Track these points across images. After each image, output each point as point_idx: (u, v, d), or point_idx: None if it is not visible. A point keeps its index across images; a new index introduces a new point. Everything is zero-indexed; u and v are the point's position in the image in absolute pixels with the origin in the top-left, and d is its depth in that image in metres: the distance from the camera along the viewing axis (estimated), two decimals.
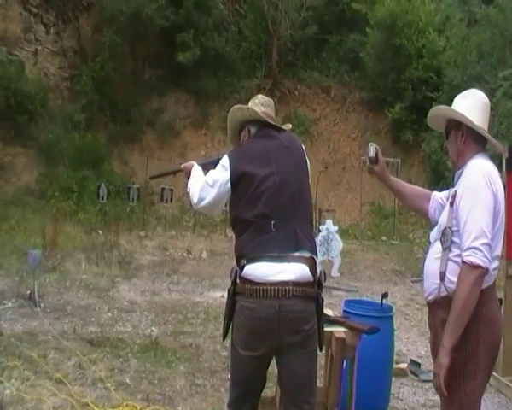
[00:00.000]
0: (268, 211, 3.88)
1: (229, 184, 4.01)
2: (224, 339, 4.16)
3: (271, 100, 4.56)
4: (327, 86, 30.16)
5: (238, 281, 3.91)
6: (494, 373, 7.26)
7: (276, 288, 3.75)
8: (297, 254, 3.85)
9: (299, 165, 4.14)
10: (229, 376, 7.16)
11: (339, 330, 4.87)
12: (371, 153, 4.30)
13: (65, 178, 23.91)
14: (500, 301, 3.89)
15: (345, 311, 6.10)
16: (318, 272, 3.96)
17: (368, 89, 29.54)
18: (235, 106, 4.39)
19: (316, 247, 4.07)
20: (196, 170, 4.37)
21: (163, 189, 22.65)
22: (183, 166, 4.53)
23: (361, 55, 28.77)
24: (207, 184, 4.09)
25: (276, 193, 3.92)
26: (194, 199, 4.15)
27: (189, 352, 8.36)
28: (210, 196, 4.07)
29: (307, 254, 3.90)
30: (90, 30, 28.72)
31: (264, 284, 3.77)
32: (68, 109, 26.56)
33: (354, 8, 29.33)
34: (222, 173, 4.05)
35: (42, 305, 10.19)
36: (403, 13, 27.76)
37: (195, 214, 22.69)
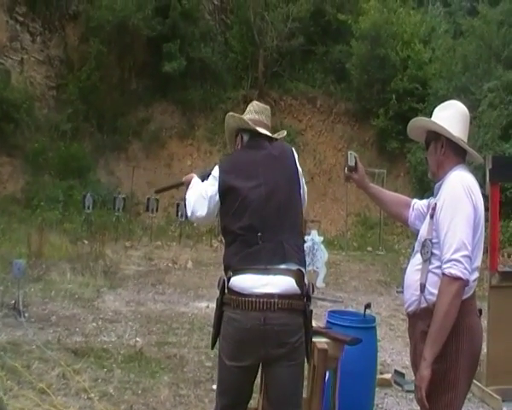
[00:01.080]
0: (254, 223, 3.88)
1: (217, 196, 4.04)
2: (212, 348, 4.15)
3: (267, 107, 4.55)
4: (313, 97, 30.27)
5: (226, 291, 3.91)
6: (478, 383, 7.30)
7: (261, 300, 3.75)
8: (283, 266, 3.84)
9: (288, 175, 4.11)
10: (213, 386, 7.20)
11: (321, 341, 4.86)
12: (351, 161, 4.33)
13: (51, 188, 23.87)
14: (480, 311, 3.90)
15: (328, 322, 6.11)
16: (307, 283, 3.95)
17: (353, 100, 29.69)
18: (229, 113, 4.46)
19: (304, 259, 4.05)
20: (196, 181, 4.40)
21: (148, 199, 22.69)
22: (184, 179, 4.56)
23: (347, 66, 28.90)
24: (202, 196, 4.12)
25: (262, 205, 3.91)
26: (189, 211, 4.21)
27: (173, 362, 8.33)
28: (203, 208, 4.10)
29: (294, 267, 3.88)
30: (76, 39, 28.73)
31: (250, 295, 3.76)
32: (54, 119, 26.56)
33: (340, 20, 29.51)
34: (212, 186, 4.08)
35: (26, 315, 10.13)
36: (388, 24, 27.94)
37: (181, 225, 22.69)
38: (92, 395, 6.72)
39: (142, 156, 27.70)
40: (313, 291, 4.04)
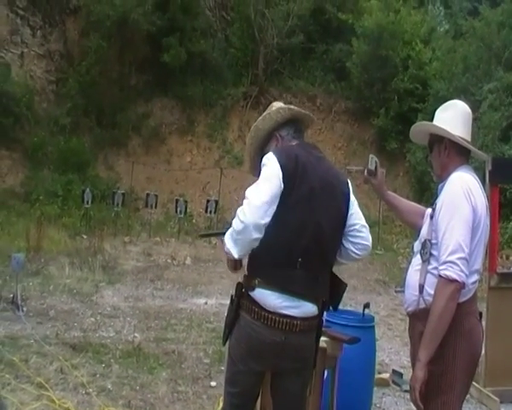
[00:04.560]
0: (298, 246, 3.72)
1: None
2: (223, 345, 4.11)
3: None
4: (313, 95, 30.23)
5: (244, 297, 3.80)
6: (476, 384, 7.31)
7: (284, 320, 3.68)
8: (312, 297, 3.77)
9: (338, 212, 3.90)
10: (211, 383, 7.23)
11: (320, 340, 4.86)
12: (371, 165, 4.31)
13: (50, 182, 23.84)
14: (480, 314, 3.90)
15: (327, 320, 6.10)
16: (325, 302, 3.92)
17: (353, 98, 29.67)
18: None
19: (328, 289, 3.93)
20: None
21: (148, 194, 22.71)
22: None
23: (347, 65, 28.87)
24: None
25: (309, 234, 3.74)
26: None
27: (171, 358, 8.34)
28: None
29: (320, 297, 3.83)
30: (76, 34, 28.66)
31: (273, 313, 3.69)
32: (54, 113, 26.53)
33: (340, 18, 29.48)
34: None
35: (25, 309, 10.14)
36: (389, 24, 27.86)
37: (180, 221, 22.73)
38: (90, 390, 6.74)
39: (142, 152, 27.68)
40: (328, 308, 4.01)
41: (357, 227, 3.93)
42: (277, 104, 4.19)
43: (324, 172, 3.90)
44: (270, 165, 3.74)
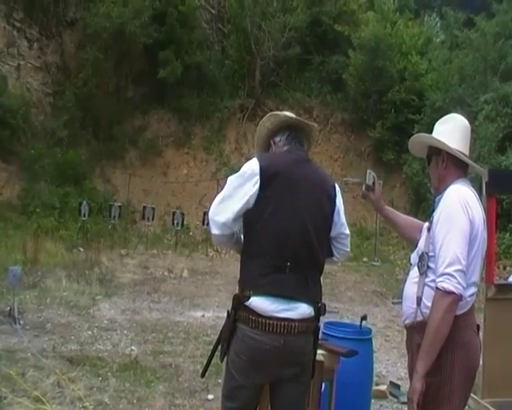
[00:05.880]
0: (285, 251, 3.80)
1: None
2: (221, 361, 4.08)
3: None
4: (309, 107, 30.22)
5: (241, 308, 3.82)
6: (474, 396, 7.29)
7: (282, 324, 3.73)
8: (305, 298, 3.82)
9: (325, 214, 4.01)
10: (208, 396, 7.21)
11: (317, 353, 4.86)
12: (369, 180, 4.33)
13: (46, 195, 23.77)
14: (477, 327, 3.89)
15: (324, 333, 6.09)
16: (320, 305, 3.97)
17: (350, 110, 29.66)
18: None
19: (321, 292, 4.03)
20: None
21: (145, 207, 22.70)
22: None
23: (343, 77, 28.91)
24: None
25: (296, 237, 3.83)
26: None
27: (168, 372, 8.33)
28: None
29: (314, 299, 3.90)
30: (73, 46, 28.63)
31: (270, 318, 3.73)
32: (51, 125, 26.47)
33: (336, 30, 29.55)
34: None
35: (21, 322, 10.13)
36: (386, 35, 27.92)
37: (177, 233, 22.71)
38: (87, 403, 6.71)
39: (139, 164, 27.64)
40: (324, 312, 4.03)
41: (342, 237, 4.14)
42: (284, 113, 4.29)
43: (310, 173, 4.01)
44: (247, 167, 3.91)
